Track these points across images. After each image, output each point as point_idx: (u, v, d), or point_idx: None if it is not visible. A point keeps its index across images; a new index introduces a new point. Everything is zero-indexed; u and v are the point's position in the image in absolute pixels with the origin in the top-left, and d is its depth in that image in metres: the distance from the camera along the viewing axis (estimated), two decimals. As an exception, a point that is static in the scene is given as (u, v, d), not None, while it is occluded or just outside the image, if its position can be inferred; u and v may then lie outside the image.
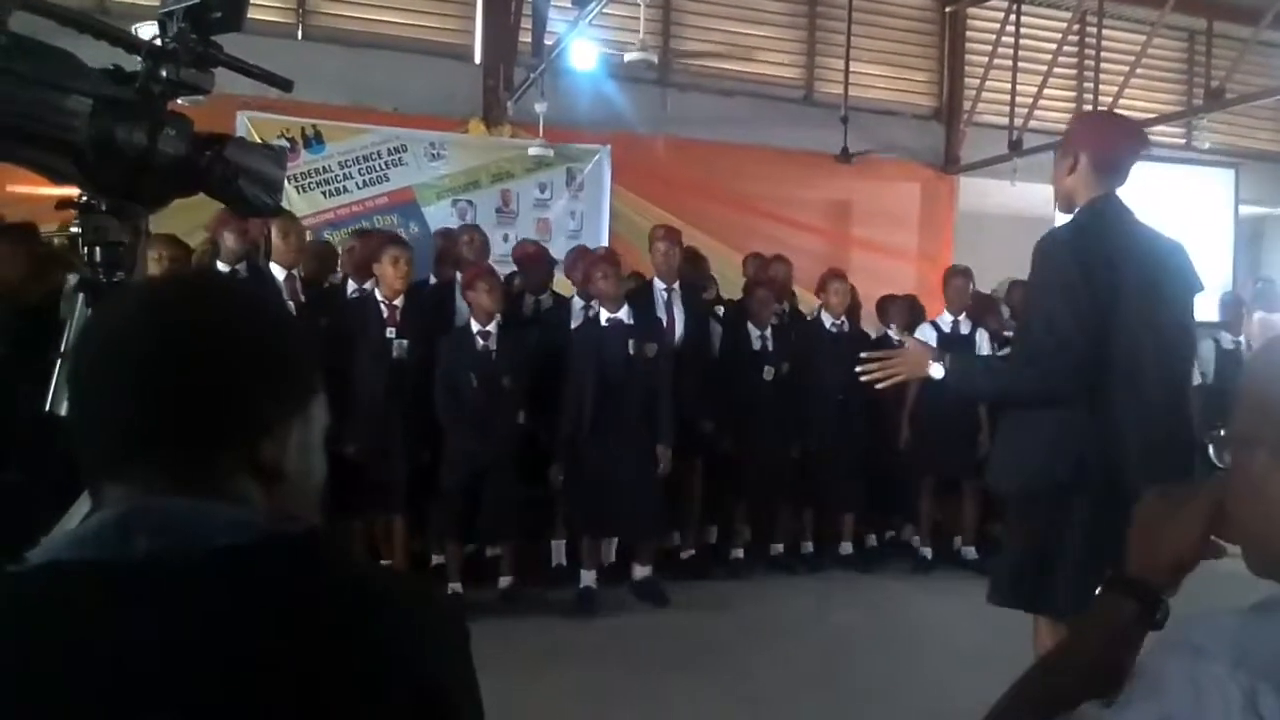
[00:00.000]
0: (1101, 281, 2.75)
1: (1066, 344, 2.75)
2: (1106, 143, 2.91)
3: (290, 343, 0.94)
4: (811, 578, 6.23)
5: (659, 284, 5.92)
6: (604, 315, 5.38)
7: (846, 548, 6.49)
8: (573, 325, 5.69)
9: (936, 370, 2.94)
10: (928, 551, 6.52)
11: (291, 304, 5.04)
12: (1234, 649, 0.87)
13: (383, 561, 5.33)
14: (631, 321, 5.40)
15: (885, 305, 7.06)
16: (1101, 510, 2.80)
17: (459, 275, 5.74)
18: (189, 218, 5.11)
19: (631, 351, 5.31)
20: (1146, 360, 2.81)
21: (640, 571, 5.51)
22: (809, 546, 6.49)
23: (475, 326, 5.23)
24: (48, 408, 1.15)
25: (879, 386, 3.06)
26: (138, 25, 1.34)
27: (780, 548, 6.38)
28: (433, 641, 0.87)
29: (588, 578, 5.42)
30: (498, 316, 5.28)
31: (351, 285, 5.72)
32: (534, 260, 6.20)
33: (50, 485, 1.04)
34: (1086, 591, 2.77)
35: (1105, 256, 2.79)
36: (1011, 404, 3.02)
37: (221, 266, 5.19)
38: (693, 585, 5.73)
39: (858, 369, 3.08)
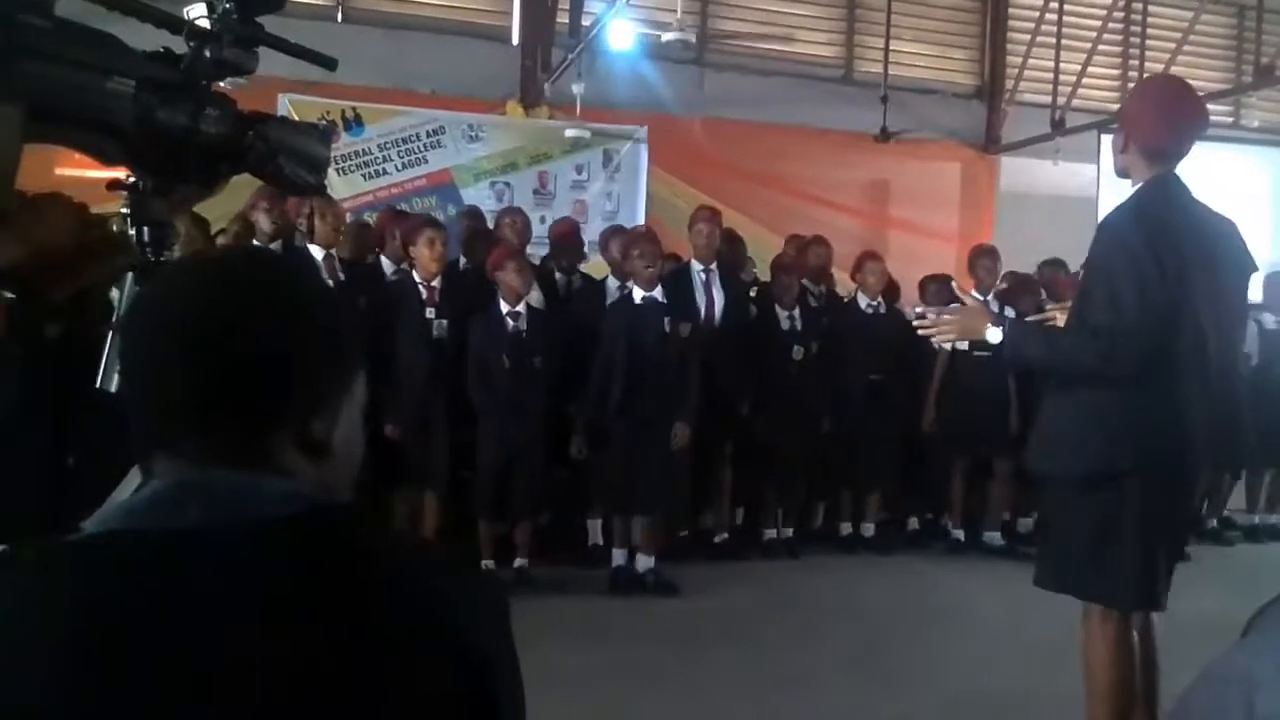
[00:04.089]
0: (1168, 261, 2.71)
1: (1131, 323, 2.71)
2: (1152, 134, 2.87)
3: (340, 319, 0.95)
4: (840, 559, 6.24)
5: (697, 265, 5.92)
6: (638, 294, 5.39)
7: (868, 529, 6.47)
8: (608, 304, 5.71)
9: (994, 335, 2.91)
10: (960, 534, 6.49)
11: (330, 283, 5.10)
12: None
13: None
14: (665, 301, 5.40)
15: (925, 285, 7.02)
16: (1155, 496, 2.78)
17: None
18: (232, 197, 5.16)
19: (667, 329, 5.33)
20: (1209, 341, 2.78)
21: (644, 562, 5.43)
22: (847, 528, 6.49)
23: (505, 308, 5.26)
24: (98, 384, 1.18)
25: (933, 339, 3.07)
26: (188, 7, 1.36)
27: (806, 529, 6.39)
28: (476, 612, 0.88)
29: (618, 556, 5.45)
30: (528, 297, 5.31)
31: (389, 265, 5.76)
32: (565, 238, 6.21)
33: (100, 461, 1.06)
34: (1147, 581, 2.79)
35: (1170, 235, 2.76)
36: (1063, 378, 2.96)
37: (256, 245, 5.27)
38: (724, 567, 5.75)
39: (914, 322, 3.08)
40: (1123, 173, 2.96)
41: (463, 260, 6.05)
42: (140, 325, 0.91)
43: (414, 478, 5.28)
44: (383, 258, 5.83)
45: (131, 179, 1.26)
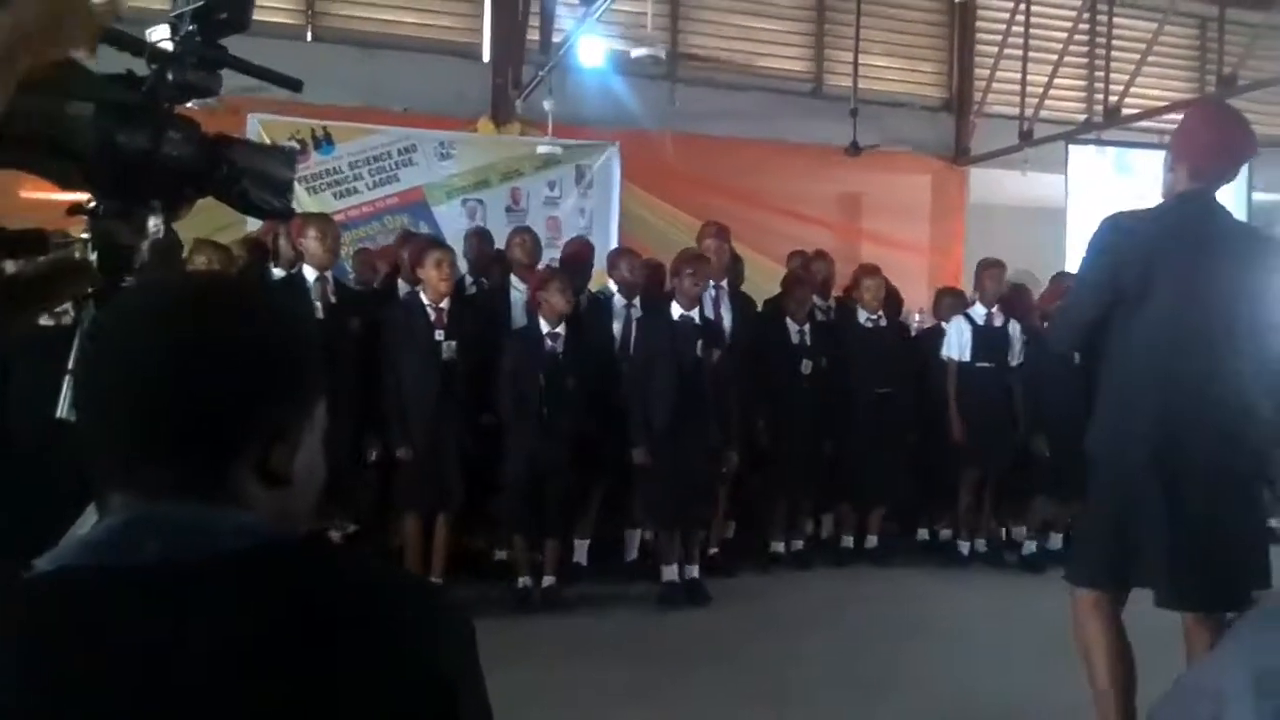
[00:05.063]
0: (1129, 263, 2.87)
1: (1065, 310, 3.06)
2: (1203, 153, 2.97)
3: (299, 347, 0.94)
4: (833, 572, 6.26)
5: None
6: (676, 312, 5.44)
7: (872, 541, 6.49)
8: (615, 324, 5.78)
9: None
10: (965, 546, 6.52)
11: (320, 305, 5.07)
12: (1253, 678, 0.86)
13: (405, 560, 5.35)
14: (700, 322, 5.49)
15: (940, 297, 7.14)
16: (1106, 482, 2.88)
17: (513, 276, 5.85)
18: (210, 219, 5.13)
19: (700, 353, 5.40)
20: (1182, 343, 2.86)
21: (689, 570, 5.52)
22: (848, 541, 6.50)
23: (545, 327, 5.28)
24: (60, 414, 1.15)
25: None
26: (151, 29, 1.34)
27: (799, 543, 6.40)
28: (440, 639, 0.87)
29: (669, 573, 5.44)
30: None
31: (404, 288, 5.72)
32: (577, 259, 6.21)
33: (62, 492, 1.04)
34: (1086, 560, 2.91)
35: (1143, 240, 2.90)
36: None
37: (278, 272, 5.31)
38: (713, 582, 5.74)
39: None
40: (1169, 191, 3.04)
41: (468, 279, 6.04)
42: (94, 357, 0.89)
43: (429, 499, 5.23)
44: (399, 281, 5.80)
45: (92, 203, 1.24)
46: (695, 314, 5.50)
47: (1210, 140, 2.98)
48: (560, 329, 5.30)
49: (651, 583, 5.58)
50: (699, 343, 5.42)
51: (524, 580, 5.29)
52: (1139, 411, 2.85)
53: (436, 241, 5.89)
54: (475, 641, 0.91)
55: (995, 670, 4.38)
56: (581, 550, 5.80)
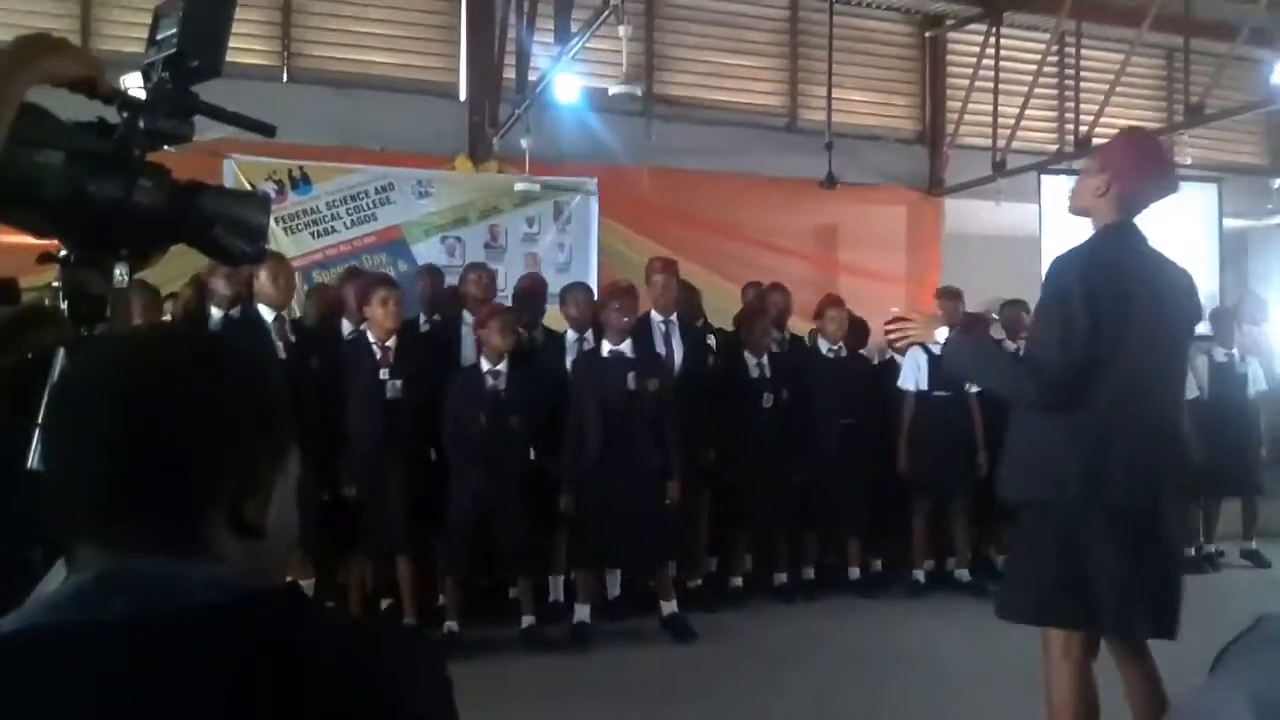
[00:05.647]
0: (1107, 305, 2.83)
1: (1046, 359, 2.89)
2: (1141, 184, 2.98)
3: (270, 398, 0.93)
4: (811, 605, 6.22)
5: (656, 316, 5.93)
6: (606, 348, 5.39)
7: (854, 573, 6.47)
8: (568, 358, 5.72)
9: (941, 334, 3.17)
10: (920, 575, 6.50)
11: (280, 345, 5.04)
12: (1251, 705, 0.85)
13: (384, 602, 5.30)
14: (633, 355, 5.42)
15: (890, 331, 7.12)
16: (1079, 521, 2.87)
17: (465, 313, 5.81)
18: (178, 264, 5.10)
19: (632, 386, 5.32)
20: (1146, 383, 2.88)
21: (667, 607, 5.48)
22: (810, 573, 6.46)
23: (485, 365, 5.23)
24: (30, 465, 1.14)
25: (895, 343, 3.34)
26: (124, 77, 1.34)
27: (783, 576, 6.36)
28: (416, 689, 0.86)
29: (581, 612, 5.40)
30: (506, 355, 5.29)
31: (348, 326, 5.70)
32: (529, 294, 6.22)
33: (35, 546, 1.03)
34: (1068, 599, 2.86)
35: (1116, 281, 2.87)
36: (1017, 406, 3.10)
37: (215, 311, 5.20)
38: (694, 616, 5.71)
39: (885, 326, 3.44)
40: (1083, 213, 3.05)
41: (422, 318, 6.01)
42: (61, 411, 0.88)
43: (376, 541, 5.16)
44: (344, 320, 5.77)
45: (63, 251, 1.24)
46: (627, 347, 5.42)
47: (1148, 171, 3.00)
48: (502, 366, 5.23)
49: (639, 618, 5.56)
50: (630, 375, 5.35)
51: (451, 625, 5.19)
52: (1116, 447, 2.83)
53: (383, 279, 5.86)
54: (451, 687, 0.90)
55: (976, 701, 4.36)
56: (556, 586, 5.76)
